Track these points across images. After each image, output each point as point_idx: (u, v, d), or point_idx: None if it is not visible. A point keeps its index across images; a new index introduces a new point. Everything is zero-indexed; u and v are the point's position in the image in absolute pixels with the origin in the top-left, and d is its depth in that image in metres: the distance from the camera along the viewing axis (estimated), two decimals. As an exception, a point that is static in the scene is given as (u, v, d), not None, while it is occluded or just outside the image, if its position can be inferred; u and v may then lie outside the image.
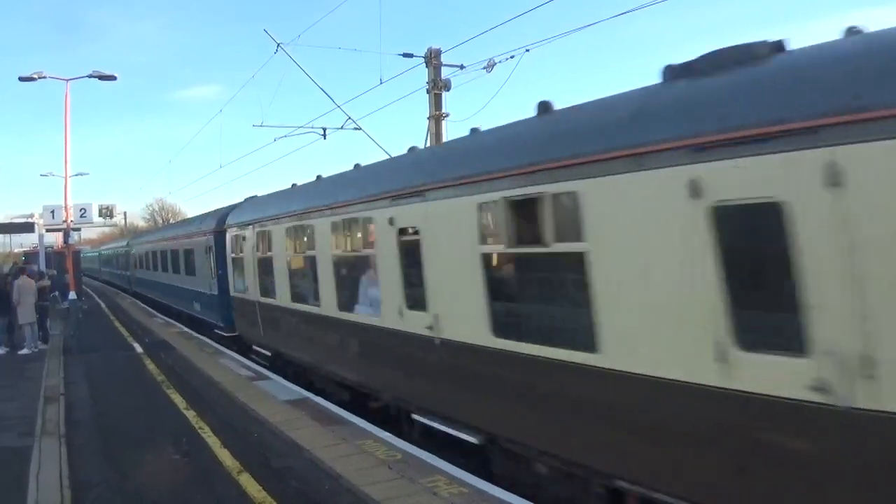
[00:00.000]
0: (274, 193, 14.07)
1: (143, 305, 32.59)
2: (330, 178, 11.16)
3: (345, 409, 9.61)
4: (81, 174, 38.39)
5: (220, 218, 16.61)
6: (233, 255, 14.88)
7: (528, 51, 14.21)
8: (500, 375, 6.23)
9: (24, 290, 16.47)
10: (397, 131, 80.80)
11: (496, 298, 6.35)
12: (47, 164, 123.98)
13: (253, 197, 16.30)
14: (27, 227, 30.35)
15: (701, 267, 4.35)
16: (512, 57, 14.70)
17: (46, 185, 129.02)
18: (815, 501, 3.93)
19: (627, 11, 12.34)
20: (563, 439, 5.68)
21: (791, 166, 3.86)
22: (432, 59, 16.87)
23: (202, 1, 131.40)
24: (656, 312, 4.72)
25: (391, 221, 7.82)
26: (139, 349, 16.78)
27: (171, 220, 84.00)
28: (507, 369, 6.13)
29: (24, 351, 16.35)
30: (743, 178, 4.11)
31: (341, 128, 18.84)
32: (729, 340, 4.23)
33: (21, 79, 20.25)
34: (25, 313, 16.39)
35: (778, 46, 4.50)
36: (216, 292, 16.86)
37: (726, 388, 4.23)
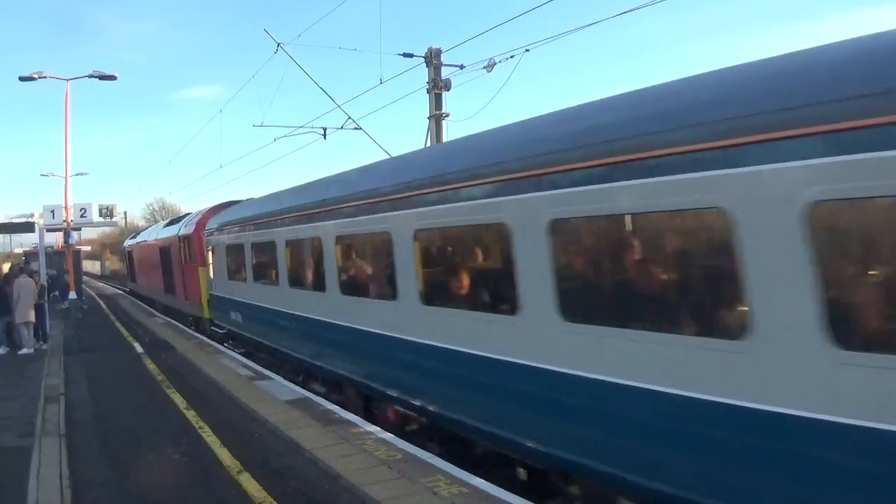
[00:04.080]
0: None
1: (143, 305, 32.57)
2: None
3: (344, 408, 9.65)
4: (81, 174, 38.44)
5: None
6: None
7: (528, 51, 14.22)
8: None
9: (24, 290, 16.49)
10: (397, 131, 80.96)
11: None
12: (47, 164, 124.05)
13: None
14: (27, 227, 30.28)
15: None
16: (512, 57, 14.71)
17: (46, 185, 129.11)
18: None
19: (627, 11, 12.31)
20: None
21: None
22: (432, 59, 16.87)
23: (202, 1, 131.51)
24: None
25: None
26: (139, 349, 16.79)
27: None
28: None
29: (24, 351, 16.34)
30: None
31: (341, 128, 18.87)
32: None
33: (21, 79, 20.23)
34: (23, 313, 16.38)
35: None
36: None
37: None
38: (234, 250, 15.30)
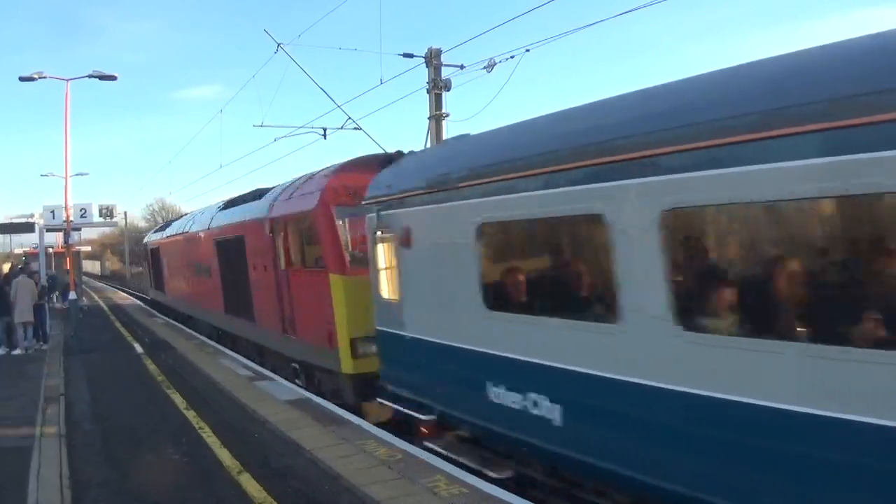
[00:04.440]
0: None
1: (143, 305, 32.52)
2: None
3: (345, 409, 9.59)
4: (81, 174, 38.26)
5: None
6: None
7: (528, 51, 14.20)
8: None
9: (22, 290, 16.41)
10: (397, 131, 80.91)
11: None
12: (47, 164, 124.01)
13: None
14: (27, 227, 30.32)
15: None
16: (512, 57, 14.69)
17: (46, 185, 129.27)
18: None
19: (627, 11, 12.28)
20: None
21: None
22: (432, 59, 16.86)
23: (202, 1, 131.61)
24: None
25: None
26: (139, 349, 16.80)
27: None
28: None
29: (17, 351, 16.28)
30: None
31: (341, 128, 18.81)
32: None
33: (21, 79, 20.17)
34: (21, 313, 16.32)
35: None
36: None
37: None
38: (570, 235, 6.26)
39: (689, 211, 4.51)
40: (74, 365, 14.52)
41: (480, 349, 6.65)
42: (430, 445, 7.70)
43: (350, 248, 10.17)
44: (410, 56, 17.10)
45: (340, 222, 10.24)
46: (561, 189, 5.56)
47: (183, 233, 21.11)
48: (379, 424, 8.85)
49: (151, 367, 14.02)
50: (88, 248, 67.06)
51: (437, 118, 16.89)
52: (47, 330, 18.90)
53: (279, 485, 6.60)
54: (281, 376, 12.39)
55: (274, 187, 13.94)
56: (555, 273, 6.27)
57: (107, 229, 64.29)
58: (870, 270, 3.86)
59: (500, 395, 6.37)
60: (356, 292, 9.57)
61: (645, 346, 4.79)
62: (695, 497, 4.60)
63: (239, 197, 16.62)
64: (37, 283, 18.15)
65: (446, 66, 16.93)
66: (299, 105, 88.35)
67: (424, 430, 8.00)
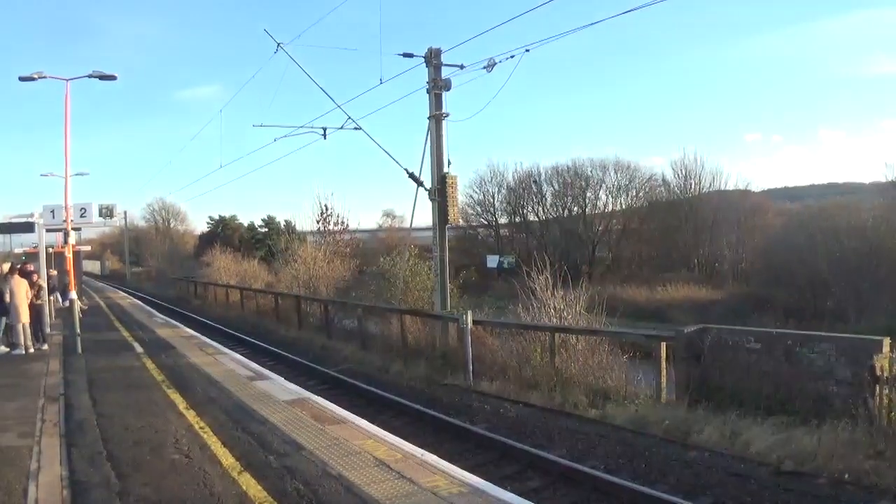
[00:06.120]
0: None
1: (143, 305, 32.54)
2: None
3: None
4: (81, 174, 38.12)
5: None
6: None
7: (528, 51, 14.25)
8: None
9: (14, 290, 16.30)
10: (397, 131, 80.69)
11: None
12: (47, 164, 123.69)
13: None
14: (27, 227, 30.24)
15: None
16: (512, 57, 14.74)
17: (46, 185, 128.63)
18: None
19: (627, 11, 12.28)
20: None
21: None
22: (432, 59, 16.90)
23: (202, 1, 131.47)
24: None
25: None
26: (139, 349, 16.80)
27: (172, 221, 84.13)
28: None
29: (17, 351, 16.23)
30: None
31: (341, 128, 18.86)
32: None
33: (21, 79, 20.14)
34: (14, 313, 16.22)
35: None
36: None
37: None
38: None
39: None
40: (74, 365, 14.52)
41: None
42: None
43: None
44: (410, 56, 17.13)
45: None
46: None
47: None
48: None
49: (151, 366, 14.02)
50: (88, 248, 67.00)
51: (437, 118, 16.91)
52: (46, 330, 18.89)
53: (280, 485, 6.60)
54: None
55: None
56: None
57: (107, 229, 64.37)
58: None
59: None
60: None
61: None
62: None
63: None
64: (34, 283, 18.11)
65: (446, 65, 16.97)
66: (299, 105, 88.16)
67: None
